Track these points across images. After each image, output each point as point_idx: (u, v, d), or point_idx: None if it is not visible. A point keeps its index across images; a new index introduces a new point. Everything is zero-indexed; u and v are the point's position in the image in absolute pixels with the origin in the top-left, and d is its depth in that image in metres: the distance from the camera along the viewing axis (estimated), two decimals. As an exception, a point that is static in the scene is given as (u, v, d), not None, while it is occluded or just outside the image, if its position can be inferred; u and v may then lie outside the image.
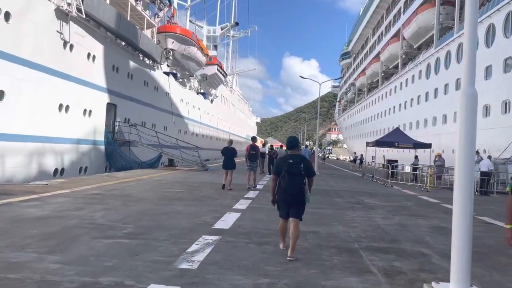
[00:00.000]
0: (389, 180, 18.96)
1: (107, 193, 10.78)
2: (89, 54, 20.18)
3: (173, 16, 33.74)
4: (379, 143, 22.90)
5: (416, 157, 24.48)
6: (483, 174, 16.62)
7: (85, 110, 20.11)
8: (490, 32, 27.76)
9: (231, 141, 14.63)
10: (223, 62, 77.06)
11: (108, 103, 22.50)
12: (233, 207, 9.39)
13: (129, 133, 23.40)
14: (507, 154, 19.73)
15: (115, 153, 22.40)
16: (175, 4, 55.23)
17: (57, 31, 17.56)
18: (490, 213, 10.65)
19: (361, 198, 12.78)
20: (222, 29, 72.58)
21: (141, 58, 27.52)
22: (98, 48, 21.03)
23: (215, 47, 69.58)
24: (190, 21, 67.33)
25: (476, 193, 16.50)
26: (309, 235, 6.63)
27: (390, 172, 18.97)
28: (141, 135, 23.12)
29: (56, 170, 17.91)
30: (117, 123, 23.47)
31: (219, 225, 7.13)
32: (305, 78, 31.11)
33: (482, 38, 28.72)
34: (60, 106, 18.04)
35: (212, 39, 71.00)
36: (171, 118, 30.52)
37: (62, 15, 17.71)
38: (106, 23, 20.52)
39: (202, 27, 70.63)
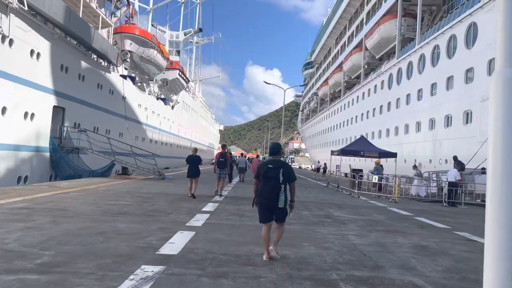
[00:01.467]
0: (355, 191, 18.22)
1: (38, 206, 9.14)
2: (32, 51, 18.22)
3: (132, 17, 31.98)
4: (344, 152, 22.28)
5: (381, 166, 24.02)
6: (450, 184, 16.18)
7: (26, 113, 18.08)
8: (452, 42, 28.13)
9: (195, 149, 14.64)
10: (186, 68, 75.35)
11: (54, 106, 20.50)
12: (187, 224, 8.07)
13: (78, 139, 21.41)
14: (472, 164, 19.56)
15: (62, 161, 20.38)
16: (136, 7, 53.30)
17: (-6, 23, 15.61)
18: (467, 228, 9.94)
19: (329, 211, 11.80)
20: (185, 34, 71.06)
21: (95, 58, 25.62)
22: (44, 45, 19.09)
23: (178, 52, 67.92)
24: (152, 25, 65.35)
25: (444, 204, 16.03)
26: (276, 262, 5.44)
27: (357, 182, 18.24)
28: (91, 142, 21.22)
29: (-12, 179, 15.81)
30: (65, 128, 21.43)
31: (166, 249, 5.81)
32: (270, 83, 30.25)
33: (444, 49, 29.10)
34: (-4, 107, 16.00)
35: (175, 44, 69.30)
36: (125, 124, 28.60)
37: (0, 6, 15.77)
38: (52, 17, 18.66)
39: (165, 32, 68.83)
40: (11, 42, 16.63)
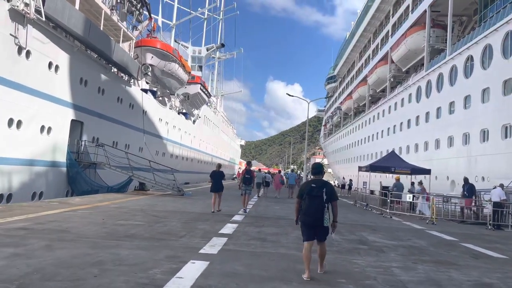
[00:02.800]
0: (388, 210, 16.76)
1: (38, 227, 8.26)
2: (50, 64, 17.80)
3: (153, 30, 31.75)
4: (373, 168, 20.88)
5: (412, 183, 22.46)
6: (495, 205, 14.58)
7: (43, 127, 17.56)
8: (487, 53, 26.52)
9: (219, 165, 15.00)
10: (208, 83, 75.44)
11: (73, 120, 20.00)
12: (201, 251, 6.99)
13: (95, 154, 20.81)
14: (516, 181, 17.83)
15: (79, 176, 19.76)
16: (159, 22, 53.67)
17: (11, 34, 15.22)
18: (528, 257, 8.48)
19: (362, 235, 10.50)
20: (207, 50, 71.34)
21: (115, 72, 25.25)
22: (62, 58, 18.69)
23: (200, 67, 68.10)
24: (175, 40, 65.88)
25: (489, 227, 14.41)
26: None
27: (389, 201, 16.79)
28: (109, 156, 20.57)
29: (1, 196, 15.19)
30: (82, 143, 20.89)
31: (171, 287, 4.74)
32: (293, 96, 29.25)
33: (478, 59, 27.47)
34: (10, 121, 15.49)
35: (197, 60, 69.58)
36: (138, 134, 27.94)
37: (17, 16, 15.41)
38: (72, 29, 18.27)
39: (188, 47, 69.28)
40: (28, 53, 16.23)
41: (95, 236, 7.74)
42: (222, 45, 75.28)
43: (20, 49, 15.78)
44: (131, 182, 21.51)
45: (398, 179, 19.73)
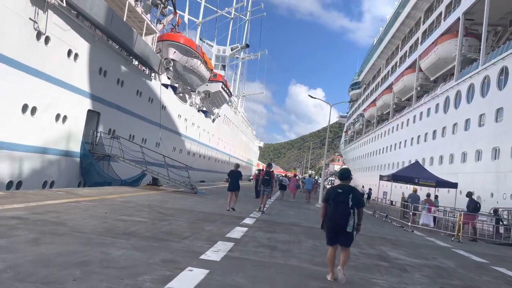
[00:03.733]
0: (409, 224, 15.72)
1: (34, 217, 7.73)
2: (70, 51, 17.50)
3: (178, 25, 31.37)
4: (395, 178, 19.84)
5: (436, 197, 21.27)
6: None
7: (58, 115, 17.26)
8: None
9: (237, 165, 15.17)
10: (230, 83, 75.11)
11: (89, 110, 19.69)
12: (202, 256, 6.30)
13: (110, 146, 20.44)
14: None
15: (92, 167, 19.42)
16: (185, 19, 53.59)
17: (30, 18, 14.95)
18: None
19: (382, 249, 9.62)
20: (232, 49, 71.15)
21: (136, 64, 24.95)
22: (82, 46, 18.40)
23: (224, 67, 67.93)
24: (200, 38, 65.86)
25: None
26: None
27: (411, 213, 15.75)
28: (124, 150, 20.18)
29: (10, 182, 14.90)
30: (98, 134, 20.57)
31: (158, 300, 4.06)
32: (315, 98, 28.35)
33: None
34: (25, 106, 15.20)
35: (221, 59, 69.48)
36: (156, 129, 27.50)
37: (38, 0, 15.14)
38: (93, 17, 17.94)
39: (212, 46, 69.19)
40: (47, 39, 15.95)
41: (91, 231, 7.15)
42: (247, 46, 74.91)
43: (39, 34, 15.50)
44: (144, 177, 21.07)
45: (415, 191, 19.28)
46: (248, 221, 11.75)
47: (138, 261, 5.48)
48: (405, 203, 19.94)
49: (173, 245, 6.94)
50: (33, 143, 15.95)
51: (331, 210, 5.77)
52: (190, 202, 15.52)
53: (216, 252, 6.73)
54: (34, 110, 15.71)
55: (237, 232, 9.32)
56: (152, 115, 27.27)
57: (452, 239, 13.93)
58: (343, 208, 5.67)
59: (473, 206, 16.01)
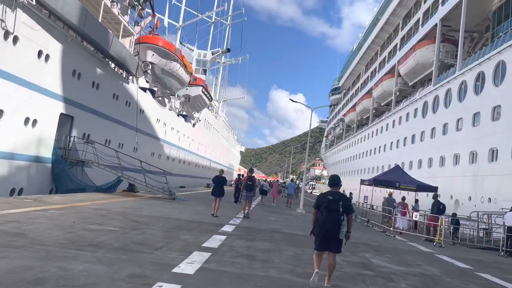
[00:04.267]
0: (391, 229, 15.54)
1: (-9, 229, 7.10)
2: (40, 52, 16.72)
3: (156, 27, 30.76)
4: (376, 182, 19.70)
5: (416, 201, 21.23)
6: (509, 230, 13.38)
7: (27, 119, 16.44)
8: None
9: (222, 171, 15.40)
10: (212, 88, 74.48)
11: (62, 114, 18.88)
12: (175, 269, 5.81)
13: (84, 151, 19.64)
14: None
15: (64, 174, 18.59)
16: (165, 23, 52.86)
17: (-3, 17, 14.18)
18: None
19: (366, 256, 9.30)
20: (213, 54, 70.68)
21: (113, 67, 24.21)
22: (54, 47, 17.63)
23: (204, 71, 67.36)
24: (180, 42, 65.13)
25: (502, 254, 13.20)
26: None
27: (393, 218, 15.58)
28: (98, 155, 19.42)
29: (-27, 189, 14.04)
30: (71, 138, 19.75)
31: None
32: (296, 102, 28.14)
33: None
34: (-9, 109, 14.39)
35: (202, 63, 68.90)
36: (137, 136, 26.74)
37: (6, -2, 14.40)
38: (65, 17, 17.24)
39: (193, 50, 68.58)
40: (15, 39, 15.17)
41: (53, 243, 6.57)
42: (228, 50, 74.62)
43: (7, 34, 14.73)
44: (120, 183, 20.32)
45: (391, 194, 19.54)
46: (227, 228, 11.28)
47: (101, 277, 4.96)
48: (384, 207, 19.95)
49: (143, 257, 6.42)
50: (0, 149, 15.09)
51: (324, 217, 5.83)
52: (167, 209, 14.93)
53: (190, 264, 6.25)
54: (0, 113, 14.88)
55: (215, 241, 8.85)
56: (129, 119, 26.51)
57: (434, 244, 13.78)
58: (336, 216, 5.77)
59: (437, 208, 16.11)
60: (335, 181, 6.18)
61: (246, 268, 6.54)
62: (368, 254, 9.65)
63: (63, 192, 18.15)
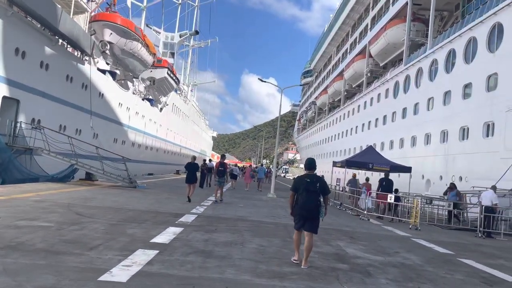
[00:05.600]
0: (365, 212, 14.78)
1: None
2: (-27, 26, 14.78)
3: (114, 4, 28.56)
4: (349, 163, 18.94)
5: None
6: (486, 210, 12.81)
7: (-39, 102, 14.57)
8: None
9: (194, 157, 15.48)
10: (181, 72, 72.08)
11: (5, 97, 16.98)
12: (103, 276, 4.60)
13: (33, 138, 17.82)
14: (504, 184, 16.20)
15: (10, 164, 16.79)
16: (128, 3, 50.08)
17: None
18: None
19: (339, 245, 8.36)
20: (180, 36, 68.16)
21: (65, 46, 22.21)
22: (-9, 21, 15.67)
23: (172, 54, 64.93)
24: (146, 25, 62.22)
25: (479, 235, 12.64)
26: None
27: (366, 201, 14.81)
28: (49, 141, 17.67)
29: None
30: (18, 124, 17.88)
31: None
32: (265, 81, 26.94)
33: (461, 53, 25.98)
34: None
35: (170, 46, 66.38)
36: (93, 121, 24.85)
37: None
38: (2, -13, 15.28)
39: (160, 33, 65.91)
40: None
41: (-48, 248, 5.21)
42: (196, 32, 72.16)
43: None
44: (76, 171, 18.69)
45: (354, 176, 19.62)
46: (186, 218, 10.10)
47: (-8, 295, 3.71)
48: (349, 188, 19.60)
49: (69, 260, 5.17)
50: None
51: (303, 199, 6.09)
52: (124, 198, 13.58)
53: (126, 268, 5.05)
54: None
55: (168, 234, 7.65)
56: (87, 103, 24.62)
57: (410, 226, 13.09)
58: (315, 197, 6.11)
59: (388, 184, 15.90)
60: (311, 164, 6.43)
61: (197, 269, 5.40)
62: (341, 243, 8.72)
63: (11, 183, 16.41)
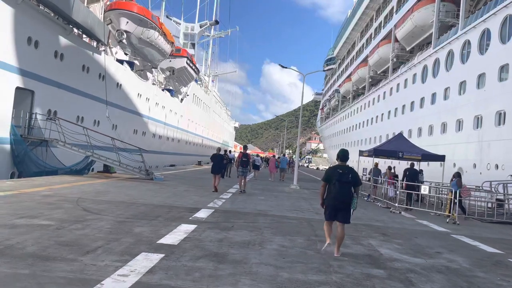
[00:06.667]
0: (396, 205, 13.65)
1: None
2: (-17, 15, 14.32)
3: (130, -7, 27.93)
4: (377, 152, 17.74)
5: (420, 171, 19.33)
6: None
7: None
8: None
9: (219, 149, 15.74)
10: (201, 63, 71.49)
11: (18, 88, 16.58)
12: (98, 286, 3.83)
13: (49, 130, 17.42)
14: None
15: (26, 157, 16.44)
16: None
17: None
18: None
19: (371, 244, 7.39)
20: (201, 26, 67.51)
21: (80, 36, 21.71)
22: (1, 10, 15.19)
23: (193, 45, 64.42)
24: (166, 16, 61.79)
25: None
26: None
27: (404, 193, 13.64)
28: (65, 133, 17.24)
29: None
30: (33, 116, 17.50)
31: None
32: (286, 67, 25.84)
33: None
34: None
35: (190, 37, 65.89)
36: (110, 110, 24.30)
37: None
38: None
39: (180, 24, 65.45)
40: None
41: None
42: (217, 22, 71.31)
43: None
44: (93, 163, 18.28)
45: (376, 165, 18.72)
46: (202, 214, 9.31)
47: None
48: (370, 177, 18.85)
49: (57, 268, 4.43)
50: None
51: (336, 190, 6.14)
52: (139, 191, 12.95)
53: (122, 279, 4.26)
54: None
55: (179, 233, 6.87)
56: (104, 94, 24.17)
57: (447, 220, 11.93)
58: (348, 188, 6.17)
59: (413, 174, 15.38)
60: (344, 155, 6.48)
61: (206, 278, 4.56)
62: (374, 241, 7.73)
63: (29, 176, 16.09)
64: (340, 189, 6.10)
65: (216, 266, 5.11)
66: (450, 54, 30.56)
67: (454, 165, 27.42)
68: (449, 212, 12.44)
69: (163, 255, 5.38)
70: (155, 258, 5.19)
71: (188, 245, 6.11)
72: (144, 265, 4.82)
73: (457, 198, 12.28)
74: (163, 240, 6.24)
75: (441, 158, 17.61)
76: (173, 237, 6.50)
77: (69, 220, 7.26)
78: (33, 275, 4.19)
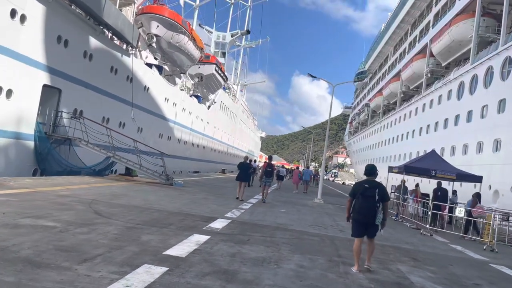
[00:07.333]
0: (427, 226, 12.65)
1: None
2: (14, 11, 14.38)
3: (161, -3, 28.11)
4: (408, 169, 16.75)
5: (454, 192, 18.16)
6: None
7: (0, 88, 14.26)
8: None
9: (246, 157, 16.37)
10: (231, 72, 71.67)
11: (45, 85, 16.63)
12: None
13: (73, 128, 17.40)
14: None
15: (49, 155, 16.41)
16: (181, 2, 50.17)
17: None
18: None
19: (401, 270, 6.61)
20: (232, 36, 67.90)
21: (110, 37, 21.82)
22: (32, 7, 15.26)
23: (224, 54, 64.76)
24: (199, 25, 62.39)
25: None
26: None
27: (430, 214, 12.65)
28: (88, 132, 17.17)
29: None
30: (58, 114, 17.53)
31: None
32: (315, 77, 25.16)
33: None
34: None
35: (221, 46, 66.34)
36: (136, 112, 24.18)
37: None
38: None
39: (211, 32, 66.04)
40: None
41: None
42: (248, 32, 71.46)
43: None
44: (113, 165, 18.11)
45: (404, 182, 17.77)
46: (217, 224, 8.75)
47: None
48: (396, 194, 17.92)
49: (46, 278, 3.95)
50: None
51: (359, 204, 6.04)
52: (156, 196, 12.56)
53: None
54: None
55: (189, 244, 6.33)
56: (131, 96, 24.16)
57: (484, 247, 10.89)
58: (372, 202, 5.96)
59: (443, 194, 14.59)
60: (371, 170, 6.33)
61: (209, 301, 3.98)
62: (403, 266, 6.94)
63: (51, 175, 16.03)
64: (363, 203, 5.99)
65: (224, 285, 4.52)
66: (490, 70, 29.11)
67: (490, 187, 25.88)
68: (489, 239, 11.37)
69: (167, 268, 4.84)
70: (157, 271, 4.66)
71: (197, 258, 5.55)
72: (143, 280, 4.29)
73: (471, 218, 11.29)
74: (170, 251, 5.71)
75: (478, 179, 16.43)
76: (181, 248, 5.96)
77: (76, 222, 6.85)
78: (17, 283, 3.73)
